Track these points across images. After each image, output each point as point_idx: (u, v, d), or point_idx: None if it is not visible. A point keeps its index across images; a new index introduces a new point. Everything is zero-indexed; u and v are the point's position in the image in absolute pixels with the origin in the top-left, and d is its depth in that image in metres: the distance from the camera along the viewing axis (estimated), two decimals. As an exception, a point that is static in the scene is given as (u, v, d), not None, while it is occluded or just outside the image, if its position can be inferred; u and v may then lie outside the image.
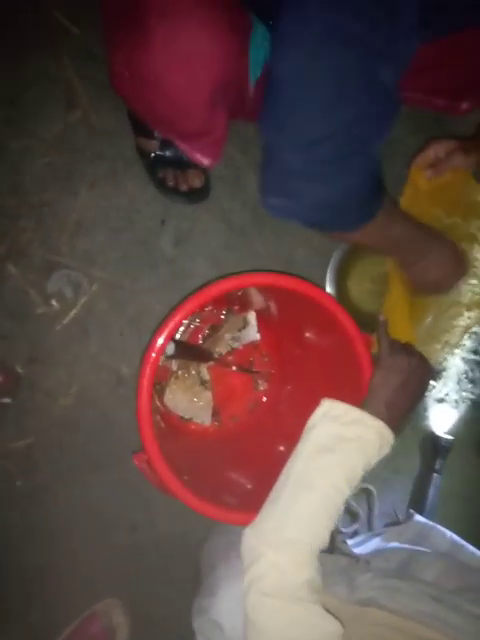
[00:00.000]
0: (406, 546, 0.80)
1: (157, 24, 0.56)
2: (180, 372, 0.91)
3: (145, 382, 0.64)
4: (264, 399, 0.95)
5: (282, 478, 0.61)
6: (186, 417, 0.91)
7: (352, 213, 0.61)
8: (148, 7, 0.56)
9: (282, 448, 0.80)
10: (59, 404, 0.89)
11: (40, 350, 0.88)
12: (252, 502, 0.70)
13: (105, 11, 0.64)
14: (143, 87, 0.62)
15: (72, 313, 0.88)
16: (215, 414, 0.93)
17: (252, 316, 0.92)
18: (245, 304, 0.91)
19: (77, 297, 0.88)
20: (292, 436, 0.83)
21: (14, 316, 0.86)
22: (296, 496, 0.58)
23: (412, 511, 0.91)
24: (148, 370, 0.65)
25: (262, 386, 0.96)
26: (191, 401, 0.91)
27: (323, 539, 0.57)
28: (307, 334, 0.84)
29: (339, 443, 0.59)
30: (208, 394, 0.92)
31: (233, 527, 0.93)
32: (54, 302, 0.87)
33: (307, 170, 0.55)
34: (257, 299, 0.87)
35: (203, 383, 0.92)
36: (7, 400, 0.86)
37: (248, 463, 0.81)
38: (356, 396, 0.69)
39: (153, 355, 0.65)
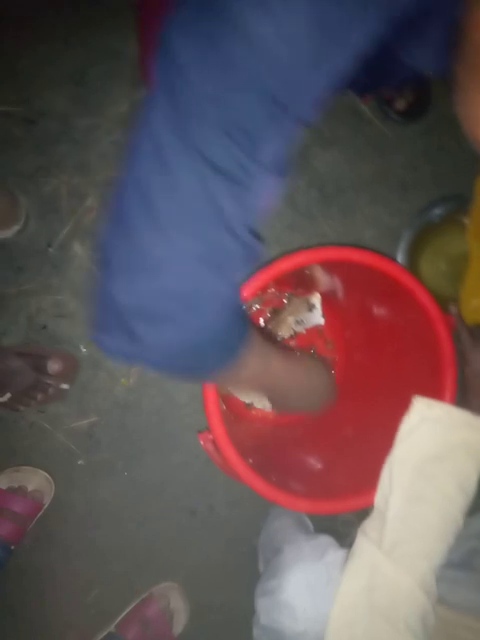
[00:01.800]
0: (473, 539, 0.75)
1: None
2: (242, 355, 0.89)
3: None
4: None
5: (385, 486, 0.58)
6: (247, 401, 0.88)
7: (211, 355, 0.46)
8: None
9: (350, 432, 0.76)
10: (121, 384, 0.89)
11: (103, 329, 0.87)
12: (319, 489, 0.67)
13: None
14: None
15: (135, 293, 0.87)
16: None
17: (317, 299, 0.88)
18: (309, 285, 0.87)
19: (140, 277, 0.87)
20: (361, 420, 0.80)
21: (79, 295, 0.86)
22: (408, 510, 0.55)
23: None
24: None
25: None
26: (252, 385, 0.89)
27: (442, 555, 0.54)
28: (376, 314, 0.79)
29: (446, 450, 0.55)
30: (270, 378, 0.89)
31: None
32: (117, 281, 0.87)
33: (145, 308, 0.40)
34: (323, 279, 0.83)
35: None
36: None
37: (313, 448, 0.78)
38: (435, 383, 0.64)
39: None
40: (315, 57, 0.34)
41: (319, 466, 0.73)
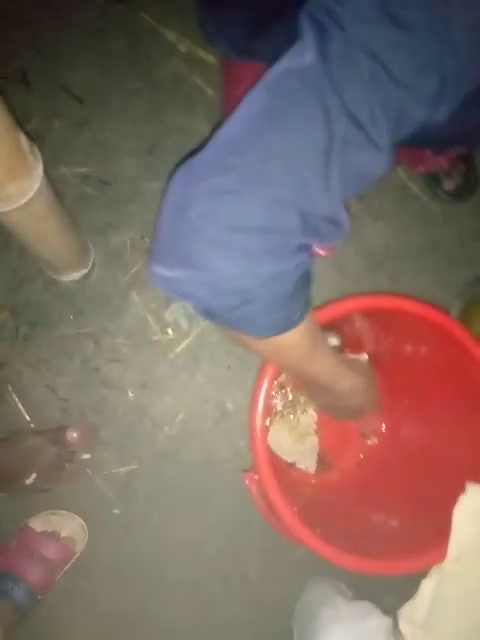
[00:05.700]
0: None
1: None
2: (285, 411, 0.88)
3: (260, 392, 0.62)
4: (375, 453, 0.88)
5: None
6: (289, 460, 0.86)
7: (265, 313, 0.45)
8: None
9: (401, 499, 0.72)
10: (164, 432, 0.89)
11: (151, 376, 0.90)
12: (367, 547, 0.63)
13: None
14: None
15: (185, 343, 0.90)
16: (321, 461, 0.87)
17: (364, 359, 0.88)
18: (356, 344, 0.87)
19: (191, 328, 0.91)
20: (412, 487, 0.76)
21: (131, 341, 0.90)
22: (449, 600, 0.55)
23: None
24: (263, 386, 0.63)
25: (371, 440, 0.90)
26: (295, 443, 0.87)
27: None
28: (428, 375, 0.78)
29: None
30: (314, 439, 0.87)
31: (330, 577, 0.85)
32: (170, 331, 0.90)
33: (229, 237, 0.39)
34: (371, 337, 0.84)
35: (309, 425, 0.88)
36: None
37: (361, 510, 0.74)
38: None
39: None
40: None
41: (367, 524, 0.69)
